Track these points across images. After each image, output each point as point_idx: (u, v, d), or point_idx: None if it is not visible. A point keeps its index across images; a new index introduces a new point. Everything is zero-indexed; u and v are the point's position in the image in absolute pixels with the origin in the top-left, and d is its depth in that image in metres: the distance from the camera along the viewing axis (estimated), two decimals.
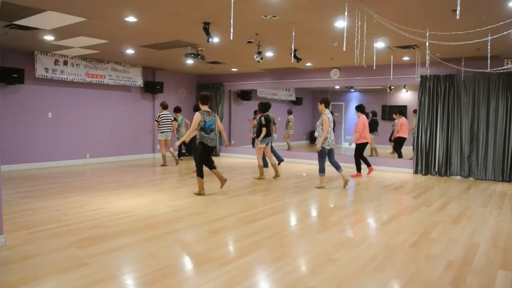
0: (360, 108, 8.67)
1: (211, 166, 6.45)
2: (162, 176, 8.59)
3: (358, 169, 8.71)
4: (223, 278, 3.17)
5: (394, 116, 10.92)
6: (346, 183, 7.18)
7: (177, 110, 10.26)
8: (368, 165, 8.80)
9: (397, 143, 10.32)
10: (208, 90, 12.94)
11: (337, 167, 7.24)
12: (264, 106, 8.24)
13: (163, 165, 9.86)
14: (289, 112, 13.55)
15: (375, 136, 11.35)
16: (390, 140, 11.50)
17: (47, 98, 9.41)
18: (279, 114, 14.64)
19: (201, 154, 6.28)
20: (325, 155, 7.12)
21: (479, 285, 3.12)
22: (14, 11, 5.41)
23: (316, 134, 7.26)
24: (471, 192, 7.17)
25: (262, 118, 8.01)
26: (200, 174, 6.32)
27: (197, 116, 6.13)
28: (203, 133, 6.18)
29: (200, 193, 6.39)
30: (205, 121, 6.17)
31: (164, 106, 9.89)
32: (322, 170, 7.16)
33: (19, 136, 8.94)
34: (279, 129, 12.52)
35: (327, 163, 7.23)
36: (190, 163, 10.61)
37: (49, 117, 9.48)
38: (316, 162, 10.84)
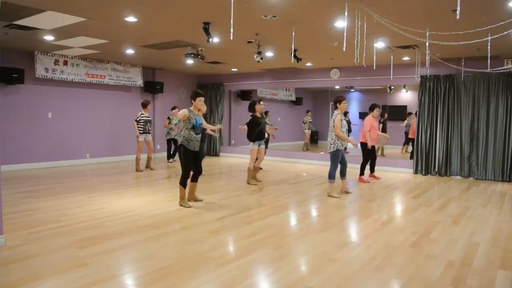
0: (369, 108, 8.19)
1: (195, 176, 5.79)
2: (162, 176, 8.58)
3: (370, 170, 8.39)
4: (223, 278, 3.17)
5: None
6: (344, 192, 6.74)
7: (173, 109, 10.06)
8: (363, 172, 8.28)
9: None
10: (208, 90, 12.94)
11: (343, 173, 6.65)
12: (249, 106, 7.63)
13: (138, 171, 8.95)
14: (306, 112, 13.54)
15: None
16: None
17: (47, 98, 9.41)
18: (280, 114, 14.66)
19: (182, 159, 5.55)
20: (339, 156, 6.38)
21: (479, 285, 3.12)
22: (14, 11, 5.41)
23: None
24: (471, 192, 7.17)
25: (250, 119, 7.47)
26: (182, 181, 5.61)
27: (184, 112, 5.45)
28: (193, 133, 5.48)
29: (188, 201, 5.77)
30: (195, 119, 5.51)
31: (144, 105, 9.13)
32: (333, 175, 6.48)
33: (19, 136, 8.94)
34: (282, 129, 12.30)
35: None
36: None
37: (49, 117, 9.48)
38: (316, 162, 10.97)
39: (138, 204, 5.75)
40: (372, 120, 8.07)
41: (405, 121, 11.58)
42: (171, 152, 10.65)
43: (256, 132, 7.36)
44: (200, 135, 5.61)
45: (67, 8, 5.31)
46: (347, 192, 6.79)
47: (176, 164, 10.31)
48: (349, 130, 11.60)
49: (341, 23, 5.76)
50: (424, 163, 9.20)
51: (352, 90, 14.14)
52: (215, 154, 12.88)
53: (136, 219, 4.93)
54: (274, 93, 14.22)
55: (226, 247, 4.03)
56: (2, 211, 3.91)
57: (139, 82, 11.18)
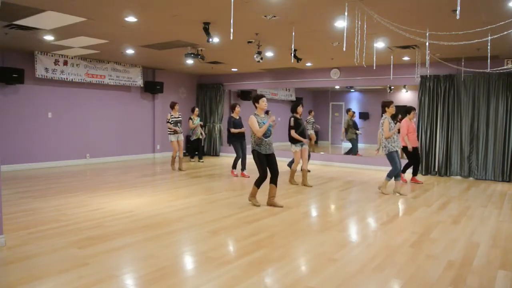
0: (405, 110, 8.00)
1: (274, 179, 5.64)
2: (162, 176, 8.59)
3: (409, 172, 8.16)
4: (223, 278, 3.17)
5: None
6: (397, 192, 6.76)
7: (192, 110, 10.59)
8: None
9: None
10: (208, 90, 12.95)
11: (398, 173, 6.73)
12: (292, 106, 7.59)
13: (180, 169, 9.23)
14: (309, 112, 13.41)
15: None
16: None
17: (47, 98, 9.41)
18: (280, 114, 14.65)
19: (257, 162, 5.55)
20: (395, 157, 6.57)
21: (479, 285, 3.12)
22: (14, 11, 5.41)
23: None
24: (471, 192, 7.17)
25: (292, 120, 7.38)
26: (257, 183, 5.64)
27: (253, 119, 5.51)
28: (263, 137, 5.49)
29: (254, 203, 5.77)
30: (263, 123, 5.53)
31: (171, 106, 9.40)
32: (392, 175, 6.68)
33: (19, 136, 8.94)
34: (281, 129, 12.17)
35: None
36: (192, 164, 10.62)
37: (49, 117, 9.48)
38: (316, 162, 10.96)
39: (138, 204, 5.75)
40: (409, 122, 7.83)
41: None
42: (197, 152, 11.34)
43: (297, 133, 7.33)
44: (270, 137, 5.60)
45: (67, 8, 5.31)
46: (400, 194, 6.71)
47: (199, 164, 10.34)
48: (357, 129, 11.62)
49: (341, 23, 5.76)
50: (424, 163, 9.19)
51: (352, 90, 14.14)
52: (215, 154, 12.88)
53: (136, 219, 4.93)
54: (274, 93, 14.22)
55: (226, 247, 4.03)
56: (2, 211, 3.91)
57: (139, 82, 11.19)
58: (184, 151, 11.45)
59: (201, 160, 11.20)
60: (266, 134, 5.53)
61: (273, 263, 3.53)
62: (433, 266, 3.49)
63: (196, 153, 11.44)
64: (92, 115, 10.36)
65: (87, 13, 5.56)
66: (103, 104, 10.61)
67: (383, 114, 6.69)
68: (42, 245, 3.89)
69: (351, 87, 13.43)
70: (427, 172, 9.19)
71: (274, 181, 5.65)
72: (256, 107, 5.71)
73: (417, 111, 9.43)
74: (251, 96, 13.36)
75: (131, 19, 5.84)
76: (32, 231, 4.34)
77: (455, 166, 8.92)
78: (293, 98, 15.17)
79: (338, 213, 5.54)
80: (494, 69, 7.48)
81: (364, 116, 13.61)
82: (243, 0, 4.80)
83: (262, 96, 5.72)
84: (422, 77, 9.15)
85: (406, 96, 12.71)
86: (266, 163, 5.54)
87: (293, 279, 3.17)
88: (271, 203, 5.70)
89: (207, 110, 12.96)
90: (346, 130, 11.40)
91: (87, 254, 3.65)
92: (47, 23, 6.11)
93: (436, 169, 9.12)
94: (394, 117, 7.81)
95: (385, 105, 6.71)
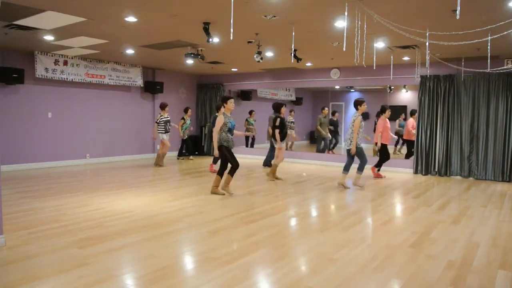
0: (380, 109, 8.53)
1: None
2: (162, 176, 8.59)
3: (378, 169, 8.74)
4: (223, 278, 3.17)
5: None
6: (342, 185, 7.25)
7: (186, 110, 10.78)
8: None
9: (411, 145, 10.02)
10: (208, 90, 12.95)
11: (347, 168, 7.24)
12: (275, 107, 8.11)
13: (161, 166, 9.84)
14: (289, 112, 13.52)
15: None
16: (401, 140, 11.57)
17: (47, 98, 9.41)
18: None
19: (228, 156, 6.27)
20: (363, 151, 7.14)
21: (479, 285, 3.12)
22: (14, 11, 5.41)
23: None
24: (471, 192, 7.17)
25: (278, 120, 7.85)
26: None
27: (221, 118, 6.16)
28: (229, 135, 6.24)
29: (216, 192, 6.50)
30: (230, 122, 6.22)
31: (162, 107, 9.87)
32: (346, 168, 7.21)
33: (19, 136, 8.94)
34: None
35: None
36: (188, 163, 10.62)
37: (49, 117, 9.48)
38: (316, 162, 10.98)
39: (138, 204, 5.76)
40: (384, 121, 8.31)
41: (397, 121, 11.72)
42: (183, 150, 11.51)
43: (283, 132, 7.90)
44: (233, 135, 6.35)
45: (67, 8, 5.31)
46: (359, 186, 7.23)
47: (183, 162, 10.33)
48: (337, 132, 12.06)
49: (341, 23, 5.76)
50: (424, 163, 9.19)
51: (352, 90, 14.15)
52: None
53: (136, 219, 4.93)
54: (274, 93, 14.22)
55: (226, 247, 4.03)
56: (2, 211, 3.91)
57: (139, 82, 11.18)
58: (184, 151, 11.49)
59: (180, 158, 11.47)
60: (232, 132, 6.27)
61: (273, 263, 3.54)
62: (433, 266, 3.49)
63: (196, 153, 11.56)
64: (92, 115, 10.35)
65: (87, 13, 5.56)
66: (103, 104, 10.61)
67: (356, 112, 7.19)
68: (42, 245, 3.89)
69: (351, 87, 13.44)
70: (427, 172, 9.19)
71: (221, 173, 6.45)
72: (224, 107, 6.28)
73: (417, 111, 9.47)
74: (251, 96, 13.45)
75: (131, 19, 5.84)
76: (32, 231, 4.34)
77: (455, 166, 8.92)
78: (293, 98, 15.17)
79: (338, 213, 5.54)
80: (494, 69, 7.48)
81: (364, 116, 13.60)
82: (243, 0, 4.80)
83: (230, 97, 6.30)
84: (422, 77, 9.15)
85: (406, 96, 12.72)
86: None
87: (293, 279, 3.17)
88: (214, 192, 6.45)
89: (207, 110, 12.96)
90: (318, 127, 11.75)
91: (87, 254, 3.66)
92: (47, 23, 6.11)
93: (436, 169, 9.12)
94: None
95: (358, 103, 7.21)
